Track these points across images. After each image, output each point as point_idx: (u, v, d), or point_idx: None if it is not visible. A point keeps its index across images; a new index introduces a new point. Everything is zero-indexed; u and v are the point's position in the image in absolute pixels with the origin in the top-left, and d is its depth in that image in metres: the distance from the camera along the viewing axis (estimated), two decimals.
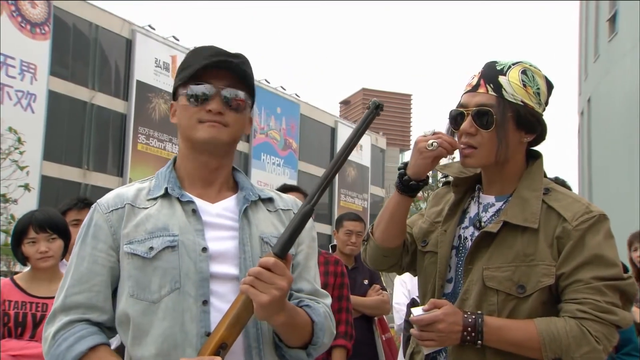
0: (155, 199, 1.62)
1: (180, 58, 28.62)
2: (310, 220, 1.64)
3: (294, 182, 28.25)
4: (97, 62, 25.46)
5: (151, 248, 1.54)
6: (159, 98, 27.55)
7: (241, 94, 1.63)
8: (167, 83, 27.93)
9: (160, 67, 27.64)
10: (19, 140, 14.89)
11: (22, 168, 15.39)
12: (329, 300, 1.71)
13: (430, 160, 1.78)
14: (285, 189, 3.75)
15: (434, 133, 1.79)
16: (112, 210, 1.61)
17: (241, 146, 31.11)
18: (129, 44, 26.13)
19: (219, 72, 1.61)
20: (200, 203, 1.62)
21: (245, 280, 1.42)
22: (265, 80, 32.84)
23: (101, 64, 25.70)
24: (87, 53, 25.15)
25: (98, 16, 24.91)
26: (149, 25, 27.52)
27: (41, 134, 22.47)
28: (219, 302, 1.53)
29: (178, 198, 1.61)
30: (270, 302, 1.41)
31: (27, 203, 18.57)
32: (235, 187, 1.72)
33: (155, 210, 1.60)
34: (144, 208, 1.61)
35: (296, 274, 1.67)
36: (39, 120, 22.63)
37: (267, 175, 31.19)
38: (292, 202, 1.78)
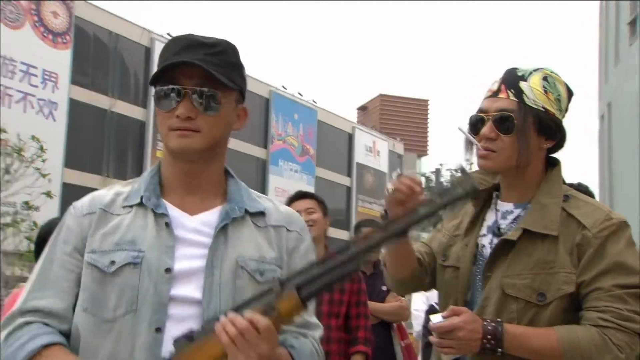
0: (131, 206, 1.49)
1: None
2: (307, 241, 1.57)
3: (311, 189, 28.36)
4: (116, 70, 25.77)
5: (112, 262, 1.41)
6: None
7: (214, 93, 1.44)
8: None
9: None
10: (41, 148, 15.11)
11: (44, 176, 15.62)
12: (319, 332, 1.54)
13: (393, 206, 1.70)
14: (298, 195, 3.77)
15: (399, 175, 1.75)
16: (85, 214, 1.49)
17: (259, 152, 31.24)
18: (148, 52, 26.39)
19: (189, 70, 1.42)
20: (177, 215, 1.48)
21: (228, 329, 1.24)
22: (282, 86, 32.99)
23: (121, 72, 26.00)
24: (107, 61, 25.46)
25: (118, 25, 25.22)
26: (168, 34, 27.78)
27: (62, 141, 22.77)
28: (176, 327, 1.38)
29: (153, 209, 1.47)
30: None
31: (48, 210, 18.83)
32: (225, 195, 1.56)
33: (128, 220, 1.47)
34: (117, 215, 1.49)
35: None
36: (60, 128, 22.94)
37: (285, 182, 31.25)
38: (287, 217, 1.58)
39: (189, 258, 1.44)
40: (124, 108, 25.53)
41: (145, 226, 1.46)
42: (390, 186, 1.72)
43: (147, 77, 26.45)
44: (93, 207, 1.50)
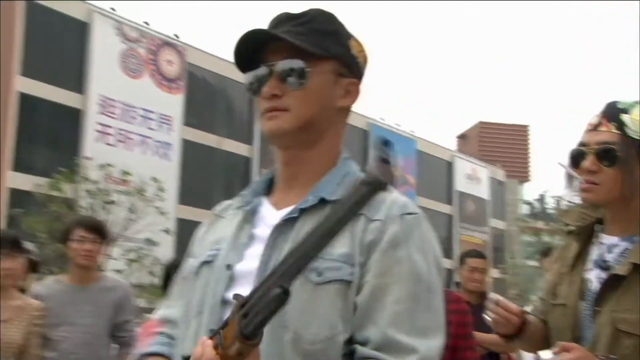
0: (239, 207, 1.34)
1: None
2: (393, 233, 1.15)
3: None
4: (223, 110, 27.23)
5: (198, 262, 1.30)
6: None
7: (299, 64, 1.23)
8: None
9: None
10: (160, 188, 16.14)
11: (163, 214, 16.70)
12: (415, 357, 1.10)
13: (497, 331, 1.83)
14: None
15: (496, 302, 1.80)
16: (205, 224, 1.41)
17: None
18: None
19: (276, 46, 1.24)
20: (265, 211, 1.28)
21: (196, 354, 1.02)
22: (380, 118, 33.40)
23: (227, 112, 27.43)
24: (215, 102, 26.99)
25: (226, 68, 26.70)
26: None
27: (176, 179, 24.27)
28: None
29: (243, 206, 1.32)
30: None
31: (167, 245, 20.10)
32: None
33: (227, 220, 1.34)
34: (223, 217, 1.37)
35: (358, 318, 1.13)
36: (174, 166, 24.50)
37: None
38: (377, 204, 1.19)
39: (252, 257, 1.22)
40: (230, 145, 26.83)
41: (232, 225, 1.30)
42: (489, 314, 1.80)
43: (251, 115, 27.72)
44: (212, 216, 1.41)
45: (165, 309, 1.39)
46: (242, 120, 27.91)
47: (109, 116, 23.24)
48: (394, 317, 1.12)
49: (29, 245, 3.81)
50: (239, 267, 1.22)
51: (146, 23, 25.26)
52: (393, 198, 1.20)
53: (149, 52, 24.79)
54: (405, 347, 1.10)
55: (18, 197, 19.82)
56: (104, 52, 23.27)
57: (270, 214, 1.27)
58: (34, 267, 3.79)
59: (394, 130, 33.74)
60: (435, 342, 1.13)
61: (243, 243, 1.25)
